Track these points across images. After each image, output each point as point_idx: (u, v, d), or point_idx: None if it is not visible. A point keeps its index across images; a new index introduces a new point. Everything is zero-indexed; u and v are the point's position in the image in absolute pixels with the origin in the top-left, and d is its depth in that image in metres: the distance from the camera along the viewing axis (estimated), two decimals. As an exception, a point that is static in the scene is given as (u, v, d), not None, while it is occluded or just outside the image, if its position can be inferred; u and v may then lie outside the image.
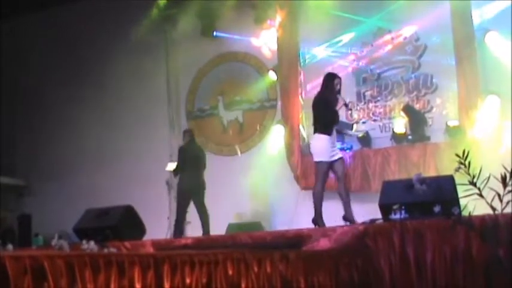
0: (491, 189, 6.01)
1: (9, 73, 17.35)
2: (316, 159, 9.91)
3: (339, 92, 10.02)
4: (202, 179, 12.87)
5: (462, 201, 8.19)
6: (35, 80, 17.32)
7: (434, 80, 13.62)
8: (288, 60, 14.68)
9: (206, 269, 5.03)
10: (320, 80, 14.59)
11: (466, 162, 6.17)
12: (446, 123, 13.09)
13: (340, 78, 10.22)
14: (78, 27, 16.66)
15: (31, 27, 17.37)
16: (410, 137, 13.44)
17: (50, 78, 17.03)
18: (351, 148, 13.92)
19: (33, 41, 17.31)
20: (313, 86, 14.80)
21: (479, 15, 13.11)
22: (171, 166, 13.29)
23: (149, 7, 15.41)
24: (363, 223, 8.34)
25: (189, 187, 12.73)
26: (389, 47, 14.12)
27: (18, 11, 16.81)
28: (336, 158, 9.85)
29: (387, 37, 14.13)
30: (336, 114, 9.99)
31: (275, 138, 14.89)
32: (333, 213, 13.21)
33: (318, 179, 9.88)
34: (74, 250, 5.76)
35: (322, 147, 9.81)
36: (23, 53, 17.44)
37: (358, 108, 14.34)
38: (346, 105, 10.22)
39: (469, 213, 6.83)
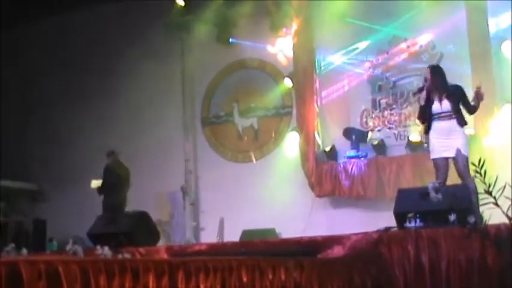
0: (507, 198, 5.98)
1: (21, 78, 17.43)
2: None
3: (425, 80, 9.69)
4: (125, 197, 13.50)
5: (477, 210, 8.18)
6: (48, 85, 17.39)
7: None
8: (304, 68, 14.69)
9: (220, 276, 5.02)
10: (335, 87, 14.81)
11: (482, 171, 6.13)
12: (462, 132, 13.05)
13: (428, 68, 9.80)
14: (92, 33, 16.72)
15: (45, 32, 17.44)
16: (425, 145, 13.38)
17: (63, 84, 17.09)
18: (366, 156, 13.92)
19: (46, 46, 17.35)
20: (329, 93, 14.85)
21: (495, 24, 13.09)
22: (95, 183, 13.68)
23: (165, 14, 15.44)
24: (378, 231, 8.31)
25: (113, 204, 13.28)
26: (405, 55, 14.11)
27: (33, 15, 16.91)
28: (446, 154, 9.39)
29: (403, 45, 14.12)
30: (423, 109, 9.68)
31: (290, 145, 14.90)
32: (347, 221, 13.27)
33: (436, 175, 9.54)
34: (88, 255, 5.78)
35: (432, 144, 9.61)
36: (36, 58, 17.48)
37: (374, 116, 14.32)
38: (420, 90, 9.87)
39: (485, 222, 6.80)
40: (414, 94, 10.29)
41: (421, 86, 9.66)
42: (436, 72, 9.68)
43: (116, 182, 13.46)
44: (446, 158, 9.33)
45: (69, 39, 17.04)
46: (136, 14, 16.02)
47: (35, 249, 11.24)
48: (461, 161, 9.24)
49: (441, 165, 9.36)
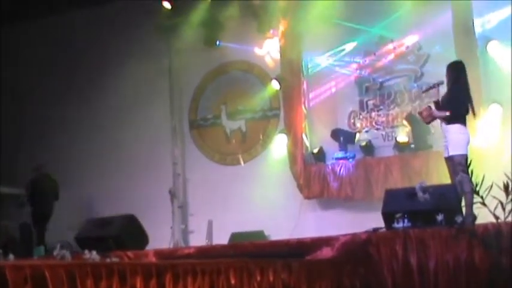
0: (494, 197, 6.00)
1: (10, 81, 17.36)
2: None
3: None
4: (50, 209, 14.55)
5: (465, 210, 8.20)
6: (37, 89, 17.33)
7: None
8: (291, 70, 14.67)
9: (208, 278, 5.02)
10: (322, 89, 14.82)
11: (469, 171, 6.17)
12: (449, 132, 13.07)
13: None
14: (80, 36, 16.68)
15: (34, 33, 17.37)
16: (413, 145, 13.43)
17: (51, 88, 17.04)
18: (354, 157, 13.92)
19: (36, 49, 17.27)
20: (316, 95, 14.86)
21: (481, 24, 13.12)
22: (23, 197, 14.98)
23: (153, 17, 15.41)
24: (366, 232, 8.33)
25: (40, 214, 14.39)
26: (391, 56, 14.12)
27: (24, 17, 16.92)
28: (444, 155, 9.40)
29: (389, 46, 14.13)
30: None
31: (278, 147, 14.87)
32: (336, 222, 13.27)
33: None
34: (76, 260, 5.76)
35: None
36: (26, 61, 17.42)
37: (361, 117, 14.33)
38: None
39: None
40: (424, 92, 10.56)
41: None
42: (448, 69, 9.73)
43: (38, 194, 14.42)
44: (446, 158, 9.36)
45: (59, 42, 16.99)
46: (123, 18, 15.98)
47: (22, 255, 11.20)
48: (450, 162, 9.27)
49: (448, 165, 9.36)
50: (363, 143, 13.92)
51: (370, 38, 14.21)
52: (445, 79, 9.73)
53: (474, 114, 9.56)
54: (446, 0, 13.05)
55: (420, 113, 9.97)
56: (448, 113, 9.25)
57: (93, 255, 5.90)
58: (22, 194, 15.19)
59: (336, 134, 14.21)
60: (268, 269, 5.72)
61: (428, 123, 10.00)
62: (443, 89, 9.86)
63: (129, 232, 10.60)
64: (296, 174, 14.37)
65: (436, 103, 9.55)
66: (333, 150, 14.20)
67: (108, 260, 5.37)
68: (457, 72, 9.61)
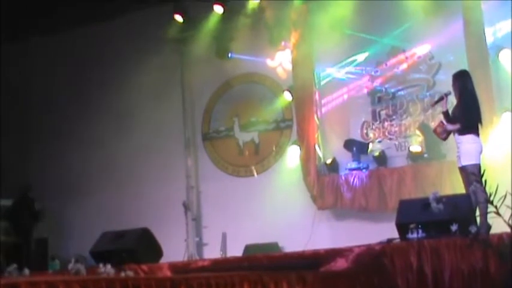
0: (508, 207, 5.97)
1: (21, 96, 17.44)
2: None
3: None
4: (31, 228, 15.10)
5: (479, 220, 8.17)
6: (49, 102, 17.38)
7: (449, 98, 13.59)
8: (303, 81, 14.68)
9: (223, 291, 5.02)
10: (335, 100, 14.81)
11: (483, 180, 6.14)
12: (462, 141, 13.03)
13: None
14: (93, 49, 16.72)
15: (46, 48, 17.45)
16: (426, 155, 13.40)
17: (64, 101, 17.10)
18: (367, 167, 13.90)
19: (47, 62, 17.36)
20: (329, 106, 14.86)
21: (493, 33, 13.11)
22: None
23: (165, 29, 15.46)
24: (380, 243, 8.31)
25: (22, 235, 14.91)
26: (403, 66, 14.11)
27: (35, 32, 17.05)
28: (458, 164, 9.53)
29: (401, 56, 14.12)
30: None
31: (291, 158, 14.89)
32: (350, 233, 13.25)
33: None
34: (90, 274, 5.77)
35: None
36: (39, 72, 17.50)
37: (374, 127, 14.32)
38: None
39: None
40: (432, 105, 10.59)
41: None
42: (453, 79, 9.79)
43: (19, 215, 15.02)
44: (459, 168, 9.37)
45: (71, 55, 17.06)
46: (135, 31, 16.03)
47: (37, 269, 11.23)
48: (464, 171, 9.27)
49: (462, 175, 9.37)
50: (376, 153, 13.91)
51: (382, 48, 14.22)
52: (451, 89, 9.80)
53: (481, 122, 9.57)
54: (458, 9, 13.05)
55: (434, 131, 9.98)
56: (459, 126, 9.29)
57: (107, 269, 5.91)
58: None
59: (348, 144, 14.21)
60: (283, 282, 5.71)
61: (445, 139, 9.96)
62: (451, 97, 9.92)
63: (143, 245, 10.59)
64: (309, 185, 14.36)
65: (445, 114, 9.60)
66: (346, 160, 14.20)
67: (122, 274, 5.38)
68: (463, 81, 9.67)
